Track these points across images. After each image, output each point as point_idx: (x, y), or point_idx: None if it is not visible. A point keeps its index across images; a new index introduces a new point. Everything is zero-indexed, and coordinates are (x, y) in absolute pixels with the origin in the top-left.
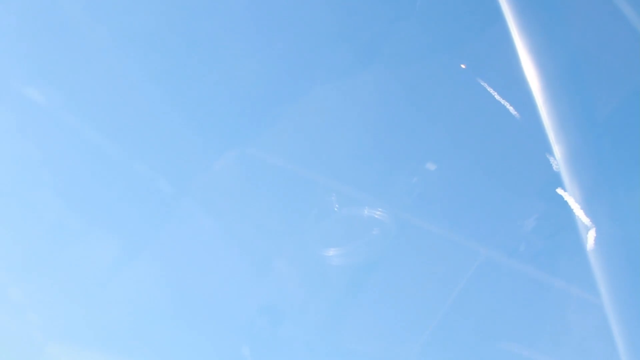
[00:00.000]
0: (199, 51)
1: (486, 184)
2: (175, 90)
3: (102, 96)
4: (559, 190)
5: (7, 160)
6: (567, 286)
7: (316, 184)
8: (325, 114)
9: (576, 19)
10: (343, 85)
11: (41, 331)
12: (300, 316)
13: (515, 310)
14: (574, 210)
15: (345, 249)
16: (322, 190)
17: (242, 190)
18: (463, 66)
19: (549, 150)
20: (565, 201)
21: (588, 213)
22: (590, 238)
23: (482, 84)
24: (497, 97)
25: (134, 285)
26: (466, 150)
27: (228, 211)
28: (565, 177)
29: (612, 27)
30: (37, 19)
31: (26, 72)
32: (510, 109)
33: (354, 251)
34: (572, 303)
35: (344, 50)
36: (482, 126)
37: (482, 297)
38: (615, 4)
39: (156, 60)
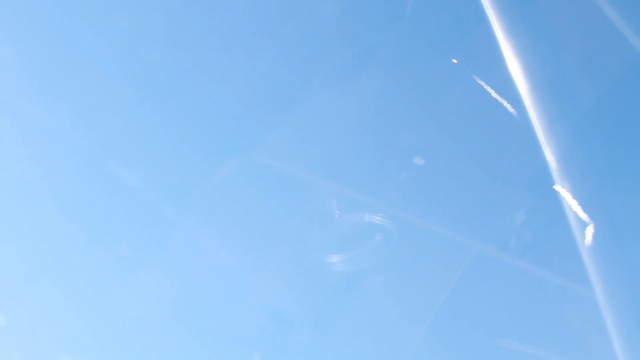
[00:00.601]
0: (199, 61)
1: (486, 183)
2: (176, 96)
3: (107, 107)
4: (557, 187)
5: (13, 173)
6: (562, 281)
7: (315, 188)
8: (321, 118)
9: (564, 22)
10: (339, 89)
11: (53, 346)
12: (304, 321)
13: (515, 306)
14: (572, 207)
15: (344, 252)
16: (320, 195)
17: (244, 197)
18: (455, 61)
19: (546, 148)
20: (562, 197)
21: (585, 209)
22: (589, 234)
23: (479, 82)
24: (494, 95)
25: (139, 295)
26: (466, 151)
27: (231, 219)
28: (561, 174)
29: (597, 28)
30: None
31: (27, 84)
32: (508, 106)
33: (354, 253)
34: (567, 297)
35: (340, 54)
36: (480, 127)
37: (482, 293)
38: (600, 7)
39: (160, 69)
